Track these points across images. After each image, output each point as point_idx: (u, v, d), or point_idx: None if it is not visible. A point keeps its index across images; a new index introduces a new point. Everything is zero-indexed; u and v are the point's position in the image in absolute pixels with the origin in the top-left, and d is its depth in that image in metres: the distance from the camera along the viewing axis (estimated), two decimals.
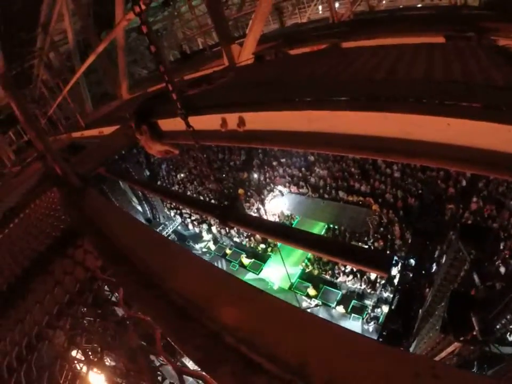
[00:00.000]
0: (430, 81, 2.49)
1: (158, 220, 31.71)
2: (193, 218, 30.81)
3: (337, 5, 17.48)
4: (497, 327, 9.25)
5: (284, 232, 2.76)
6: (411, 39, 4.85)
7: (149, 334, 1.57)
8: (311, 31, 9.35)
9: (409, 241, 19.92)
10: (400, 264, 17.49)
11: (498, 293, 10.62)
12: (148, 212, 31.51)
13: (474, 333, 9.18)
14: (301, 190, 29.35)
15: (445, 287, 12.74)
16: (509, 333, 12.98)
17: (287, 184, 29.91)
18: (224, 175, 32.96)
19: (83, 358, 2.12)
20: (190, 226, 30.97)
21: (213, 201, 30.76)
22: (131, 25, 21.54)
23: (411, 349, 15.87)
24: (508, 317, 8.77)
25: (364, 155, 2.38)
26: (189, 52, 21.45)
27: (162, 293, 1.58)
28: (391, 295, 18.56)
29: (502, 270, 18.19)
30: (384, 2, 18.68)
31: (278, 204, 28.89)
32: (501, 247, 19.56)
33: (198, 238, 30.34)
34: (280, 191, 29.89)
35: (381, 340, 13.00)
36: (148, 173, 34.77)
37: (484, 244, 10.47)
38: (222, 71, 5.78)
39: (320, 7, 25.69)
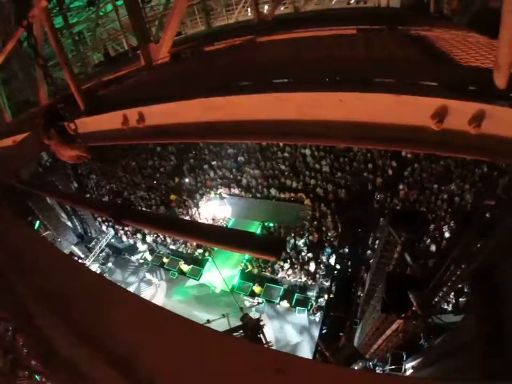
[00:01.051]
0: (325, 62, 2.49)
1: (89, 234, 30.49)
2: (126, 229, 29.84)
3: (266, 7, 17.56)
4: (436, 300, 9.66)
5: (178, 225, 2.65)
6: (324, 32, 4.88)
7: None
8: (230, 30, 9.32)
9: (338, 230, 20.57)
10: (335, 253, 17.98)
11: (431, 269, 11.20)
12: (79, 227, 30.18)
13: (414, 309, 9.57)
14: (233, 191, 29.47)
15: (381, 269, 13.26)
16: (448, 303, 13.71)
17: (219, 186, 29.91)
18: (155, 182, 32.24)
19: None
20: (124, 238, 30.06)
21: (144, 209, 30.04)
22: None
23: (357, 332, 16.46)
24: (444, 289, 9.16)
25: (265, 140, 2.33)
26: (114, 53, 20.75)
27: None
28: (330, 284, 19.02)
29: (433, 248, 19.54)
30: (312, 6, 18.93)
31: (212, 207, 28.66)
32: (430, 228, 20.91)
33: (133, 249, 29.57)
34: (213, 194, 29.73)
35: (324, 328, 13.32)
36: (76, 185, 33.28)
37: (412, 227, 10.92)
38: (135, 71, 5.56)
39: (249, 9, 25.82)
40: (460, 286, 11.08)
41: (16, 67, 12.90)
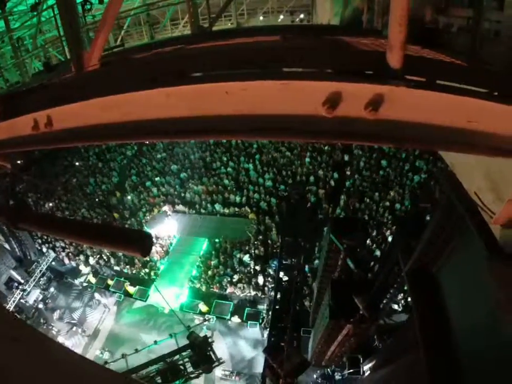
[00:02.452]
0: (217, 55, 2.49)
1: (29, 257, 29.03)
2: (68, 250, 28.66)
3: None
4: (384, 302, 9.86)
5: (66, 226, 2.55)
6: (250, 39, 4.91)
7: None
8: (165, 41, 9.31)
9: (279, 242, 20.83)
10: (281, 265, 18.09)
11: (375, 274, 11.49)
12: (17, 250, 28.67)
13: (361, 312, 9.72)
14: (177, 208, 29.13)
15: (327, 277, 13.42)
16: (398, 304, 14.05)
17: (163, 204, 29.45)
18: (97, 200, 31.28)
19: None
20: (66, 260, 28.79)
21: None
22: None
23: (311, 340, 16.53)
24: (391, 290, 9.36)
25: (157, 139, 2.27)
26: (56, 62, 20.04)
27: None
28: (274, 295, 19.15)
29: (378, 253, 20.25)
30: (258, 23, 19.19)
31: (156, 225, 28.22)
32: (373, 234, 21.65)
33: (76, 272, 28.29)
34: (157, 212, 29.29)
35: (272, 340, 13.32)
36: (12, 203, 31.58)
37: (353, 234, 11.14)
38: (61, 78, 5.38)
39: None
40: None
41: None
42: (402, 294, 16.59)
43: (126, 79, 2.49)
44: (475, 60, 2.97)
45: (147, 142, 29.53)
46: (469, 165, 3.37)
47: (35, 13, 18.13)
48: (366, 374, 13.75)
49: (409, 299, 16.79)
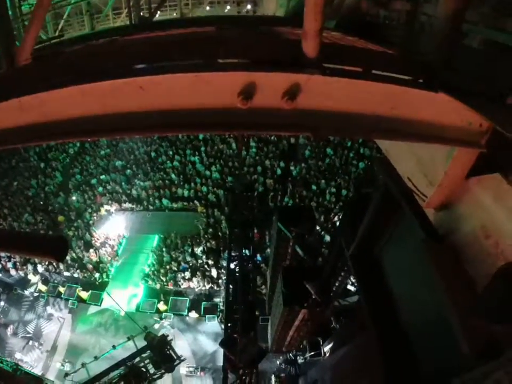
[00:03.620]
0: (133, 49, 2.43)
1: None
2: (14, 260, 27.23)
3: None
4: (336, 284, 10.07)
5: None
6: (184, 31, 4.83)
7: None
8: (101, 33, 9.02)
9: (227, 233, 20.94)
10: (229, 256, 18.16)
11: (324, 259, 11.72)
12: None
13: (314, 297, 9.91)
14: (124, 206, 28.55)
15: (278, 265, 13.58)
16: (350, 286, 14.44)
17: (109, 202, 28.75)
18: (41, 203, 30.03)
19: None
20: (13, 272, 27.28)
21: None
22: None
23: (269, 328, 16.73)
24: (342, 274, 9.55)
25: (70, 139, 2.19)
26: None
27: None
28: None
29: (328, 238, 20.51)
30: (204, 12, 18.86)
31: (103, 225, 27.61)
32: (321, 220, 22.09)
33: (25, 282, 26.95)
34: (104, 211, 28.52)
35: (229, 331, 13.37)
36: None
37: (300, 221, 11.31)
38: None
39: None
40: None
41: None
42: (352, 277, 17.08)
43: (47, 77, 2.38)
44: (403, 50, 3.05)
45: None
46: (402, 151, 3.48)
47: None
48: (327, 355, 14.03)
49: None
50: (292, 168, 26.01)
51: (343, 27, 6.20)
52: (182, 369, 19.74)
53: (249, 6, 18.13)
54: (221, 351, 19.49)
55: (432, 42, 2.24)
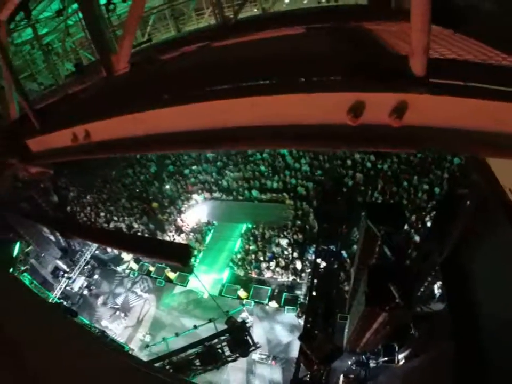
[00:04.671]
0: (243, 67, 2.51)
1: (73, 247, 30.04)
2: None
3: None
4: (422, 289, 9.72)
5: (111, 237, 2.67)
6: (274, 33, 4.89)
7: None
8: (191, 35, 9.29)
9: (315, 227, 20.63)
10: (316, 250, 18.01)
11: (412, 261, 11.31)
12: (62, 241, 29.63)
13: (397, 300, 9.63)
14: (214, 195, 29.35)
15: (363, 264, 13.30)
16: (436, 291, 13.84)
17: (200, 191, 29.76)
18: (137, 191, 31.96)
19: None
20: (109, 249, 29.32)
21: (126, 218, 29.96)
22: (25, 38, 20.00)
23: (347, 326, 16.51)
24: (429, 278, 9.22)
25: (189, 149, 2.35)
26: (87, 62, 20.52)
27: None
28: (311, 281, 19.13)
29: (417, 238, 19.70)
30: (284, 6, 18.89)
31: (194, 212, 28.74)
32: (412, 219, 21.15)
33: (118, 260, 29.22)
34: (194, 199, 29.65)
35: (308, 326, 13.35)
36: (56, 198, 32.52)
37: (390, 219, 10.98)
38: (94, 84, 5.51)
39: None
40: None
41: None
42: (440, 282, 16.30)
43: (156, 92, 2.59)
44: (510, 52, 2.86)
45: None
46: (506, 162, 3.29)
47: (61, 18, 18.54)
48: (401, 363, 13.61)
49: None
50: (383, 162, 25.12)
51: (434, 17, 5.89)
52: (255, 355, 20.02)
53: None
54: (295, 343, 19.60)
55: None
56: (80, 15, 18.16)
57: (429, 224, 20.07)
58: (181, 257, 2.16)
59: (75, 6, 17.85)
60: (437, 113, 1.89)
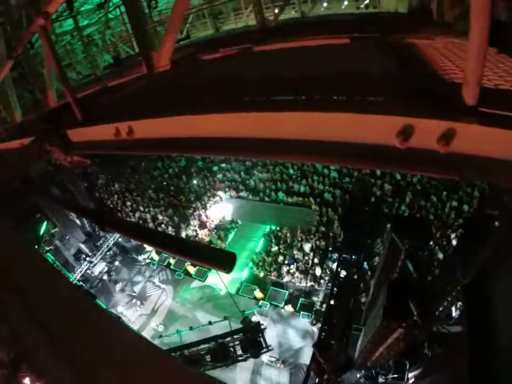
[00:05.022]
0: (297, 79, 2.51)
1: (97, 233, 30.61)
2: None
3: (276, 10, 17.69)
4: (440, 309, 9.57)
5: (150, 235, 2.72)
6: (318, 41, 4.89)
7: None
8: (231, 37, 9.35)
9: (340, 235, 20.46)
10: (340, 259, 17.90)
11: (434, 279, 11.11)
12: (87, 225, 30.28)
13: (415, 318, 9.48)
14: (240, 194, 29.43)
15: (384, 277, 13.13)
16: (454, 312, 13.61)
17: (227, 189, 29.89)
18: (164, 183, 32.35)
19: None
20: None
21: (152, 210, 30.39)
22: (66, 28, 20.54)
23: (360, 338, 16.35)
24: (449, 298, 9.08)
25: (225, 155, 2.40)
26: (125, 55, 20.92)
27: None
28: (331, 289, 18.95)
29: (440, 256, 19.23)
30: (322, 9, 18.89)
31: (218, 210, 28.91)
32: (437, 236, 20.72)
33: (140, 249, 29.70)
34: (220, 197, 29.81)
35: (323, 334, 13.27)
36: (86, 184, 33.32)
37: (416, 234, 10.84)
38: (135, 79, 5.62)
39: None
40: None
41: (26, 68, 12.92)
42: (460, 303, 15.94)
43: (202, 96, 2.64)
44: None
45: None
46: None
47: (102, 11, 19.00)
48: (410, 381, 13.40)
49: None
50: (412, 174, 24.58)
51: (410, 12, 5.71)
52: (264, 357, 19.85)
53: (367, 1, 17.66)
54: (306, 349, 19.52)
55: None
56: (122, 9, 18.71)
57: (454, 242, 19.71)
58: (225, 265, 2.20)
59: (115, 0, 18.32)
60: (484, 143, 1.87)
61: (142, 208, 31.04)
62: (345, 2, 19.09)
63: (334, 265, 21.47)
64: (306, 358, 19.45)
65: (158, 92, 3.97)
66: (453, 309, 14.29)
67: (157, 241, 2.63)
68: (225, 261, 2.23)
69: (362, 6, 17.88)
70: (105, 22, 21.06)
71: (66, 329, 1.67)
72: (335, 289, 14.66)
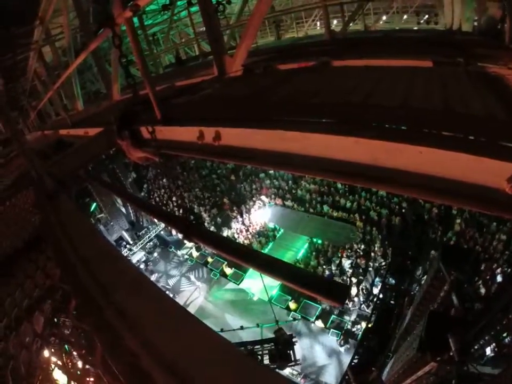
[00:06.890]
0: (405, 107, 2.48)
1: (141, 223, 31.43)
2: None
3: (335, 22, 17.72)
4: (475, 347, 9.27)
5: (244, 253, 2.72)
6: (399, 62, 4.82)
7: None
8: (302, 47, 9.36)
9: (389, 259, 19.97)
10: (380, 281, 17.55)
11: (476, 315, 10.71)
12: (132, 215, 31.16)
13: (451, 353, 9.19)
14: (286, 203, 29.42)
15: (424, 306, 12.80)
16: (487, 353, 13.10)
17: (273, 196, 29.95)
18: (212, 183, 32.83)
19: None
20: (173, 232, 30.52)
21: (196, 206, 30.89)
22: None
23: (388, 366, 15.96)
24: (486, 338, 8.79)
25: (331, 178, 2.36)
26: (185, 57, 21.43)
27: (103, 306, 1.56)
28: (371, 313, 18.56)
29: (482, 291, 18.38)
30: (381, 22, 18.88)
31: (262, 215, 29.04)
32: (482, 269, 19.86)
33: (180, 244, 30.19)
34: (264, 203, 29.96)
35: (356, 357, 12.98)
36: (134, 175, 34.31)
37: (464, 265, 10.53)
38: (209, 82, 5.71)
39: (318, 23, 25.89)
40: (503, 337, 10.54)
41: (90, 60, 13.40)
42: (495, 344, 15.18)
43: (295, 110, 2.65)
44: None
45: None
46: None
47: (166, 12, 19.56)
48: None
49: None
50: None
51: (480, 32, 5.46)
52: (287, 369, 19.02)
53: (427, 16, 17.44)
54: (330, 367, 19.15)
55: None
56: (184, 14, 19.21)
57: (499, 278, 18.85)
58: (338, 297, 2.20)
59: (180, 3, 18.81)
60: None
61: (186, 205, 31.49)
62: (405, 16, 18.99)
63: (372, 287, 21.21)
64: (328, 376, 19.20)
65: (240, 99, 4.00)
66: (488, 348, 13.75)
67: (249, 259, 2.63)
68: (339, 294, 2.22)
69: (422, 22, 17.74)
70: (170, 23, 21.70)
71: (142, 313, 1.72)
72: (375, 312, 14.31)
